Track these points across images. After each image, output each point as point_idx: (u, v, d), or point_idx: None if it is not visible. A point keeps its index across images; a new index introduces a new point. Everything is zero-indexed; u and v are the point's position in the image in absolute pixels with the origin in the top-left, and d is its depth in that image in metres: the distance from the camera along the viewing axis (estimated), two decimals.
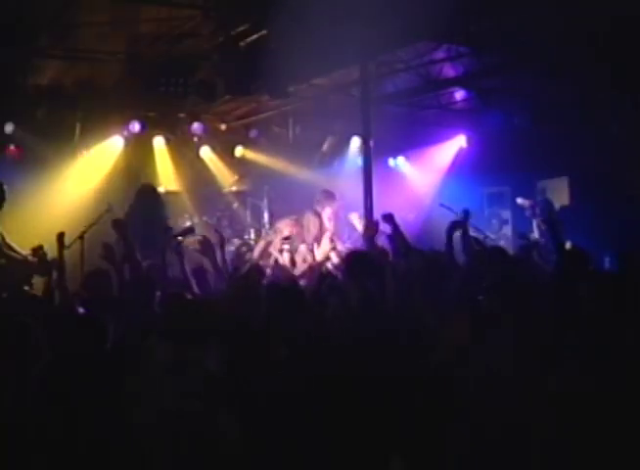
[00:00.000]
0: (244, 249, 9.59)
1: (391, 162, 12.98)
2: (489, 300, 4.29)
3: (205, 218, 10.80)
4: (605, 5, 7.29)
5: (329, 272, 6.13)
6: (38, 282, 5.96)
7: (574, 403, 3.61)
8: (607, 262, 6.93)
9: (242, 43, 8.09)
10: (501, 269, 4.93)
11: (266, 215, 10.46)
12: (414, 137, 12.37)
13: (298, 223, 8.01)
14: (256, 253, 7.87)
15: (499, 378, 3.81)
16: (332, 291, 4.63)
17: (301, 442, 3.77)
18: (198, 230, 10.43)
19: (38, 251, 5.72)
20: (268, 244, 7.74)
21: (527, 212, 10.89)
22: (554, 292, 4.57)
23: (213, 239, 5.71)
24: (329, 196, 8.29)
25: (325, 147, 12.31)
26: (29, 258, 6.13)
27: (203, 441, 3.77)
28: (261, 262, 7.34)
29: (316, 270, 6.78)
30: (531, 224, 10.63)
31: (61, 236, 5.43)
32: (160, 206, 8.25)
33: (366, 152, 8.31)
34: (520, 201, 11.08)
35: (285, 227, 7.88)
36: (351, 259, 5.16)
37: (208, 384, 3.89)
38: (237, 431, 3.83)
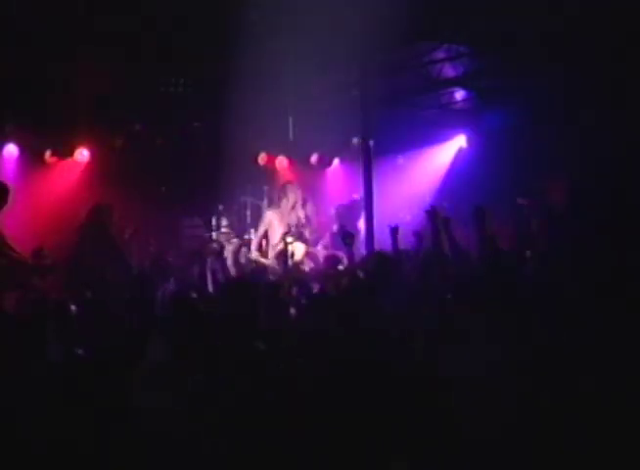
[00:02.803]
0: (244, 249, 9.60)
1: (391, 161, 12.95)
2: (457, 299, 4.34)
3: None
4: (604, 4, 7.31)
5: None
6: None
7: (569, 403, 3.62)
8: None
9: (241, 43, 8.10)
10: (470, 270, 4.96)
11: None
12: (414, 137, 12.34)
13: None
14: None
15: (488, 379, 3.82)
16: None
17: (300, 443, 3.77)
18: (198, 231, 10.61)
19: (39, 252, 5.74)
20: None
21: (527, 212, 10.82)
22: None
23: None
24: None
25: (325, 147, 12.29)
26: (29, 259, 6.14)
27: (191, 441, 3.76)
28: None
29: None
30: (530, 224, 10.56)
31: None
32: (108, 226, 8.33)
33: (366, 152, 8.32)
34: (520, 201, 11.02)
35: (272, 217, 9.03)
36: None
37: (194, 386, 3.89)
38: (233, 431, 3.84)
